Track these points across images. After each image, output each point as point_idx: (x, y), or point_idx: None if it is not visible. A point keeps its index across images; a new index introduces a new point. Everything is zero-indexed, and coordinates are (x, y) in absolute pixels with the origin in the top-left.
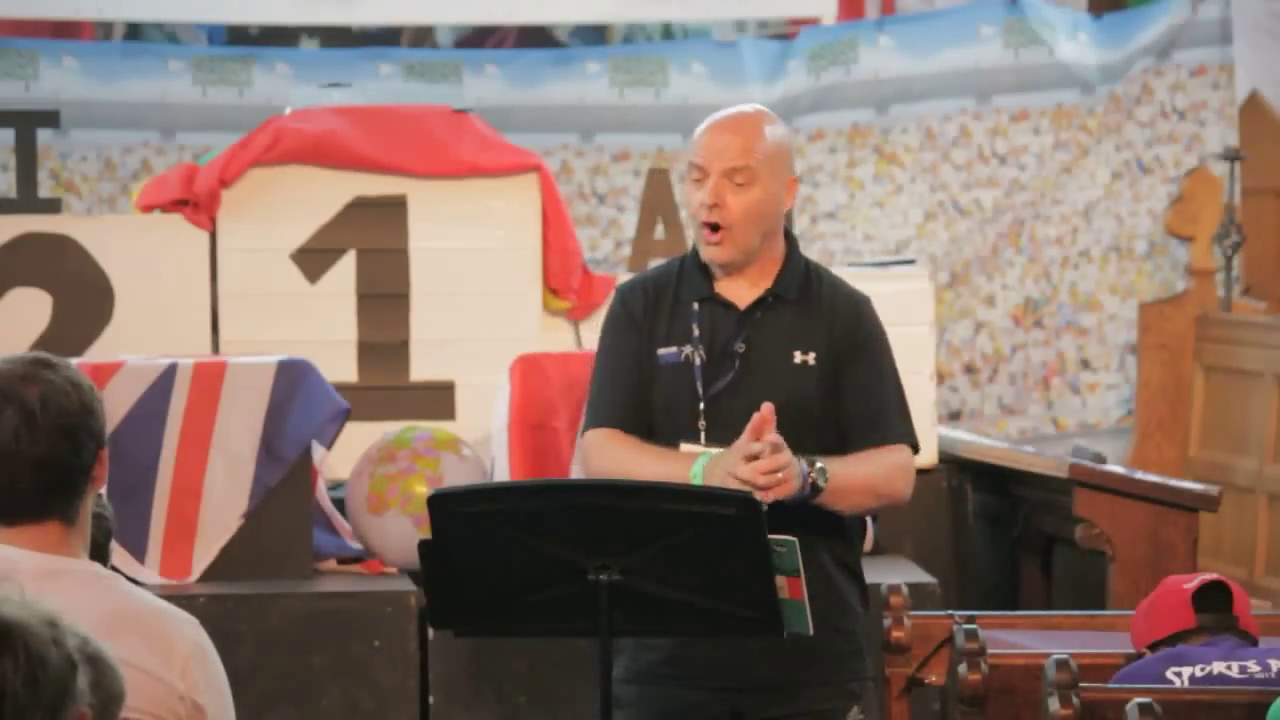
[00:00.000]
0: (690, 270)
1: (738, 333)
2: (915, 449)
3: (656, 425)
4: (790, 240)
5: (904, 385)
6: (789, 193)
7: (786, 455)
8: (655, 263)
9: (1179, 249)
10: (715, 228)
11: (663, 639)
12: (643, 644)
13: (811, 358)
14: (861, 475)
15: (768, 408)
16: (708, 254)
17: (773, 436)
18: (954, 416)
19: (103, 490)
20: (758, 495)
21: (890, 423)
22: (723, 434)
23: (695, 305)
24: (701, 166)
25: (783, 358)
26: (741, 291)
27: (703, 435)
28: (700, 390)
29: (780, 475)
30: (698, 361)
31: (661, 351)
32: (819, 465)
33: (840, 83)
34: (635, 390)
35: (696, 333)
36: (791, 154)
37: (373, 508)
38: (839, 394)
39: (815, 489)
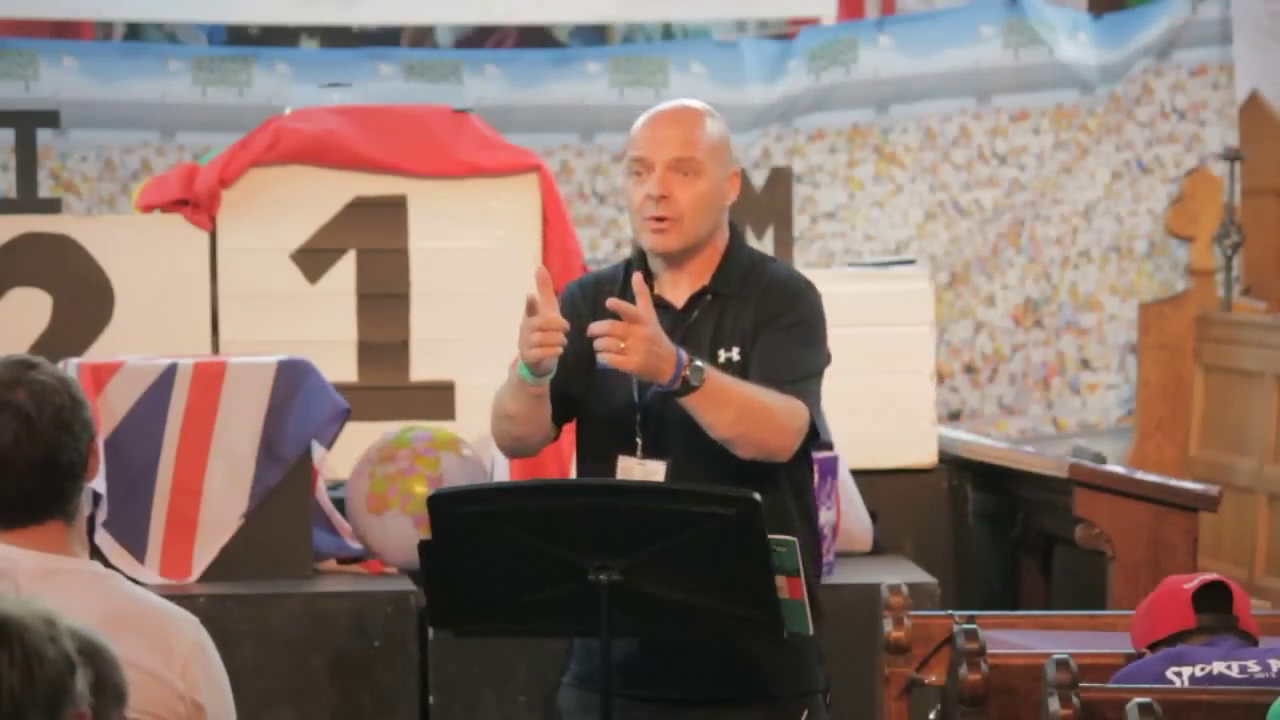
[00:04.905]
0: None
1: (673, 335)
2: (810, 416)
3: (595, 435)
4: (734, 234)
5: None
6: (732, 185)
7: (641, 329)
8: None
9: (1179, 249)
10: (662, 219)
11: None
12: (588, 648)
13: (735, 353)
14: (741, 393)
15: (543, 271)
16: (653, 243)
17: (636, 308)
18: (954, 416)
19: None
20: (603, 356)
21: (789, 376)
22: (657, 442)
23: None
24: (644, 159)
25: (708, 359)
26: (680, 290)
27: (639, 447)
28: (636, 398)
29: (623, 345)
30: None
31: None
32: (696, 363)
33: (840, 83)
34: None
35: None
36: (731, 148)
37: (373, 508)
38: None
39: (687, 385)
